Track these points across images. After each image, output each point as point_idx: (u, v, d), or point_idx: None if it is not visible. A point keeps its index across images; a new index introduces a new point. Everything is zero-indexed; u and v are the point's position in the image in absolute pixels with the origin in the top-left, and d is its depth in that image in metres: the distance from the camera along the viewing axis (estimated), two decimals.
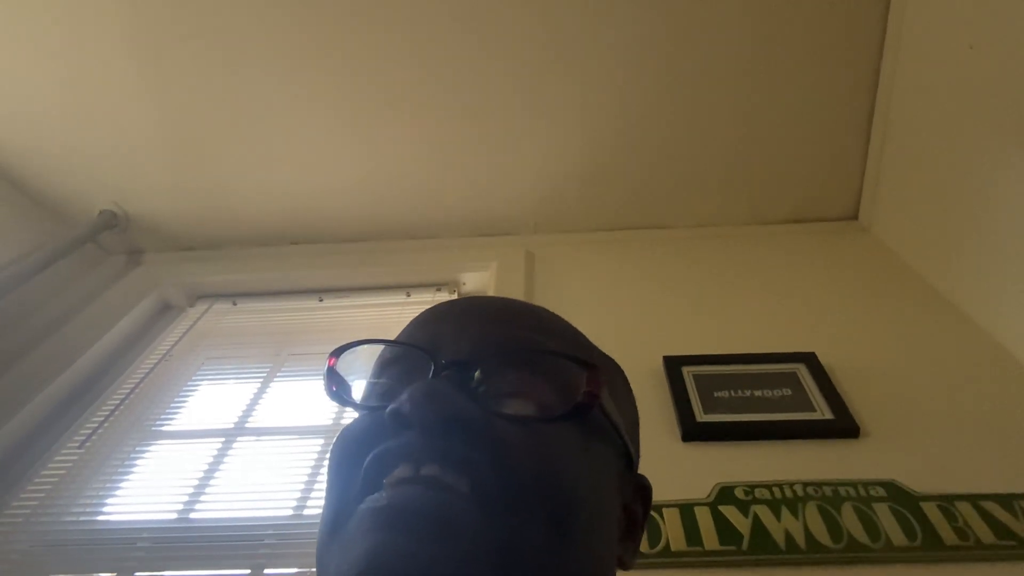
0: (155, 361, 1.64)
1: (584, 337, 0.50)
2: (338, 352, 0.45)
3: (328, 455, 0.41)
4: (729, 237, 1.90)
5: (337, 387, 0.44)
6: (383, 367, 0.44)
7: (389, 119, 1.79)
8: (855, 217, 1.93)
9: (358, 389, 0.45)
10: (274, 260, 1.96)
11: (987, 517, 0.98)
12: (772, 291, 1.63)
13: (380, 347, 0.45)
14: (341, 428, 0.42)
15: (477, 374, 0.40)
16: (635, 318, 1.55)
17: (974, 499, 1.01)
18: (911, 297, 1.56)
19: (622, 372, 0.53)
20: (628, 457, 0.46)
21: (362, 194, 1.94)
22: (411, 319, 0.49)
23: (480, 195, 1.94)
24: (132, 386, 1.55)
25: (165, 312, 1.88)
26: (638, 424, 0.53)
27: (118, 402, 1.50)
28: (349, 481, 0.37)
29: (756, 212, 1.94)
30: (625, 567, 0.45)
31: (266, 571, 1.09)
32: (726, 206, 1.94)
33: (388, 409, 0.36)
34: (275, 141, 1.83)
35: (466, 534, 0.32)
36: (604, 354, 0.52)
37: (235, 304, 1.87)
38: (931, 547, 0.95)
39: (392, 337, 0.47)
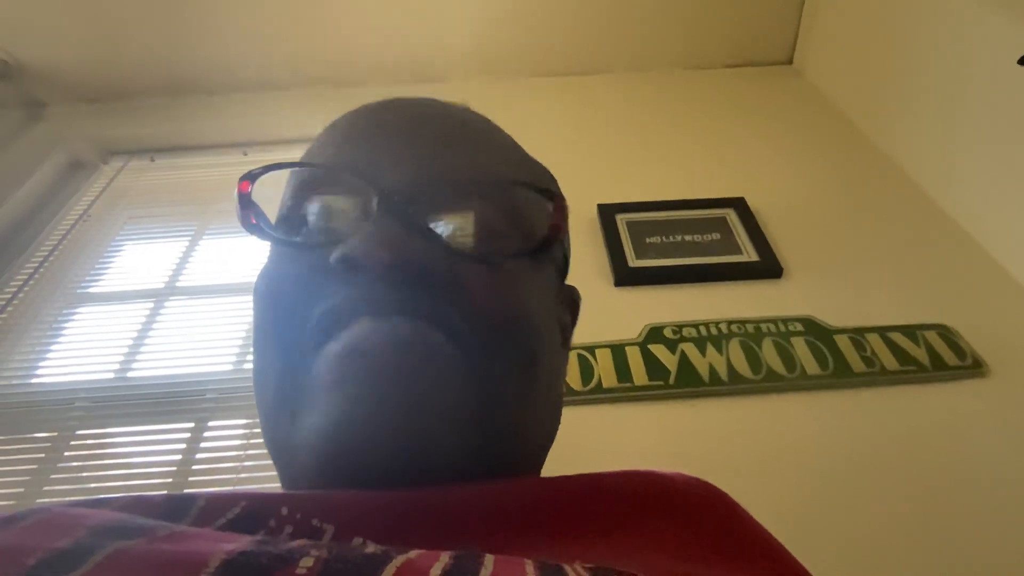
0: (72, 222, 1.56)
1: (521, 148, 0.45)
2: (253, 176, 0.37)
3: (255, 302, 0.36)
4: (664, 82, 1.86)
5: (256, 217, 0.36)
6: (304, 191, 0.37)
7: None
8: (790, 61, 1.92)
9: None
10: (192, 112, 1.84)
11: (892, 346, 1.06)
12: (705, 136, 1.63)
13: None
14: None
15: (428, 208, 0.34)
16: (571, 166, 1.52)
17: (882, 331, 1.09)
18: (840, 142, 1.59)
19: (556, 181, 0.48)
20: (562, 270, 0.44)
21: (283, 37, 1.80)
22: (326, 127, 0.41)
23: (412, 39, 1.83)
24: (50, 249, 1.48)
25: (76, 170, 1.76)
26: (569, 231, 0.50)
27: (36, 265, 1.44)
28: (293, 335, 0.33)
29: (691, 56, 1.90)
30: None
31: (210, 423, 1.11)
32: (662, 50, 1.89)
33: (337, 255, 0.32)
34: None
35: (448, 379, 0.31)
36: (539, 164, 0.46)
37: (153, 160, 1.78)
38: (841, 375, 1.03)
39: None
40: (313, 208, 0.36)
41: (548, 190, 0.36)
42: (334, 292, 0.32)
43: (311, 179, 0.37)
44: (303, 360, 0.32)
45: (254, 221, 0.36)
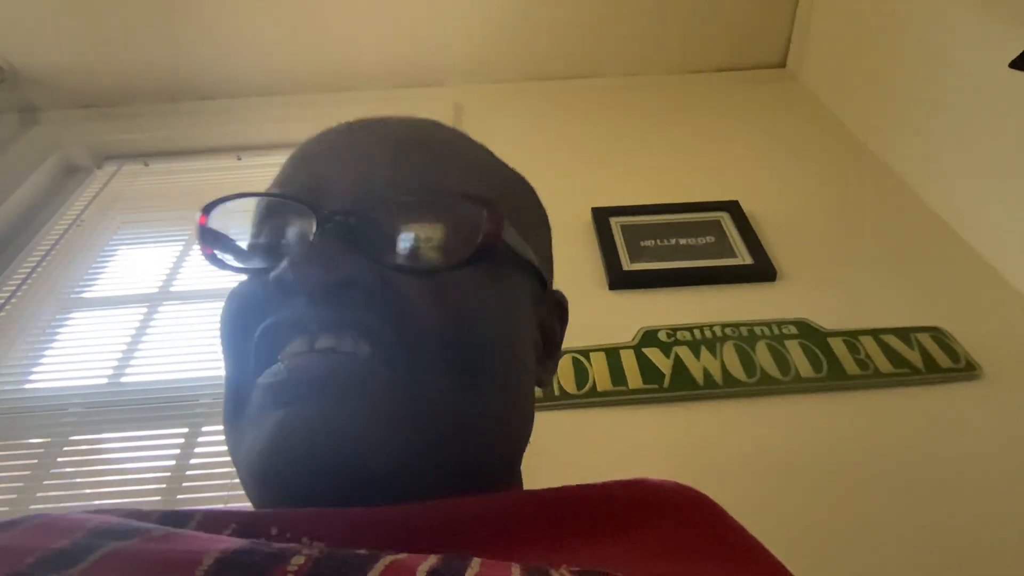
0: (65, 227, 1.56)
1: (485, 154, 0.46)
2: (208, 208, 0.39)
3: (219, 322, 0.38)
4: (658, 86, 1.87)
5: (213, 248, 0.38)
6: (262, 220, 0.39)
7: None
8: (783, 65, 1.93)
9: (240, 248, 0.40)
10: (186, 117, 1.84)
11: (886, 349, 1.06)
12: (699, 140, 1.64)
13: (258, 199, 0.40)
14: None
15: (365, 224, 0.35)
16: (565, 170, 1.54)
17: (876, 333, 1.09)
18: (834, 145, 1.59)
19: (527, 188, 0.49)
20: (540, 276, 0.44)
21: (278, 42, 1.81)
22: (291, 153, 0.43)
23: (407, 45, 1.84)
24: (43, 253, 1.48)
25: (70, 175, 1.76)
26: (550, 238, 0.50)
27: (29, 270, 1.43)
28: (242, 354, 0.35)
29: (685, 60, 1.91)
30: (542, 386, 0.45)
31: (204, 428, 1.10)
32: (655, 54, 1.89)
33: (271, 276, 0.33)
34: None
35: (372, 394, 0.32)
36: (508, 171, 0.47)
37: (147, 165, 1.77)
38: (835, 377, 1.03)
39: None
40: (268, 233, 0.38)
41: (484, 199, 0.37)
42: (272, 313, 0.34)
43: (268, 206, 0.39)
44: (247, 383, 0.35)
45: (210, 251, 0.38)
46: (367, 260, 0.34)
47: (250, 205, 0.40)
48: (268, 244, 0.38)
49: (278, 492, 0.31)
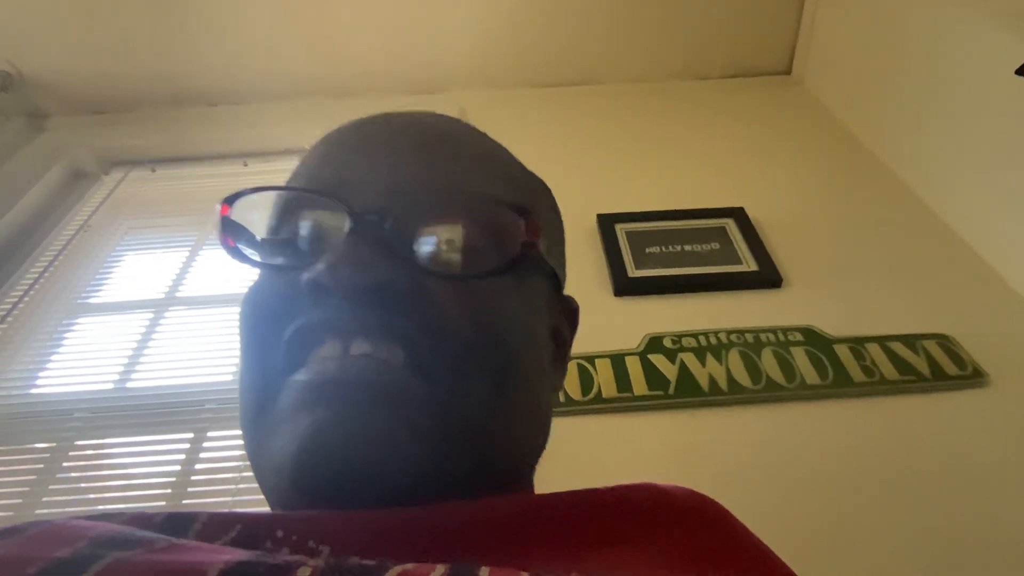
0: (72, 232, 1.57)
1: (507, 155, 0.45)
2: (232, 199, 0.37)
3: (239, 318, 0.37)
4: (662, 92, 1.87)
5: (235, 241, 0.37)
6: (284, 215, 0.37)
7: None
8: (788, 71, 1.92)
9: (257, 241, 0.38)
10: (192, 123, 1.85)
11: (892, 356, 1.06)
12: (704, 146, 1.64)
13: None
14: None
15: (398, 225, 0.34)
16: (570, 176, 1.53)
17: (882, 340, 1.09)
18: (839, 151, 1.59)
19: (547, 190, 0.48)
20: (556, 281, 0.44)
21: (284, 48, 1.81)
22: (313, 144, 0.41)
23: (411, 51, 1.84)
24: (50, 259, 1.49)
25: (78, 180, 1.77)
26: (564, 240, 0.49)
27: (36, 276, 1.44)
28: (269, 353, 0.34)
29: (690, 67, 1.91)
30: (555, 390, 0.45)
31: (209, 434, 1.11)
32: (660, 61, 1.90)
33: (305, 278, 0.32)
34: None
35: (408, 402, 0.31)
36: (529, 174, 0.47)
37: (154, 171, 1.78)
38: (841, 384, 1.03)
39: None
40: (292, 229, 0.37)
41: (522, 207, 0.36)
42: (304, 313, 0.33)
43: (291, 200, 0.38)
44: (274, 382, 0.33)
45: (232, 244, 0.36)
46: (401, 263, 0.33)
47: (268, 199, 0.39)
48: (290, 240, 0.37)
49: (308, 494, 0.31)
